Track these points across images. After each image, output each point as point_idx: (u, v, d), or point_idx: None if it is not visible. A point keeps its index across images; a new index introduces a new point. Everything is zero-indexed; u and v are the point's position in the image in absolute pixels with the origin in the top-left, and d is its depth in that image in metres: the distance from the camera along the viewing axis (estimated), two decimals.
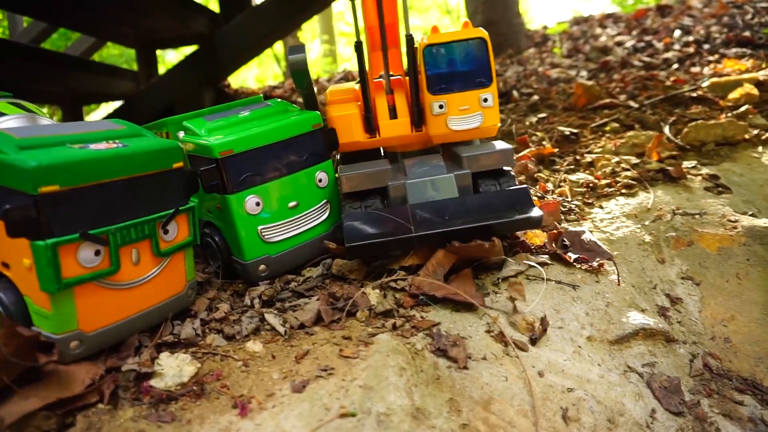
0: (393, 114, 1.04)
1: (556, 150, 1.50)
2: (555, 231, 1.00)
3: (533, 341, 0.81)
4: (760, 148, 1.39)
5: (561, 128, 1.67)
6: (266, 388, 0.67)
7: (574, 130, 1.64)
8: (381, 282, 0.89)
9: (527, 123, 1.90)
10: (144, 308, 0.76)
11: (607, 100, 1.89)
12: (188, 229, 0.81)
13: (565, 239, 1.00)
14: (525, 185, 0.95)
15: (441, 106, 0.99)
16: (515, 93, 2.36)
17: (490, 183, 0.97)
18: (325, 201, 1.00)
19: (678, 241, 1.03)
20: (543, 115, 1.94)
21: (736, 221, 1.04)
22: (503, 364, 0.76)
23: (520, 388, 0.73)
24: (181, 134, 0.94)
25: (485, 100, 0.99)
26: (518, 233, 1.00)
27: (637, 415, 0.78)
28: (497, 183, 0.96)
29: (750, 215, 1.08)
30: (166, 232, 0.77)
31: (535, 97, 2.22)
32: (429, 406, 0.67)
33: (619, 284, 0.94)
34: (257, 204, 0.90)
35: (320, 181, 0.99)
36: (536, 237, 1.00)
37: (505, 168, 0.99)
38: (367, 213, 0.93)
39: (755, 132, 1.46)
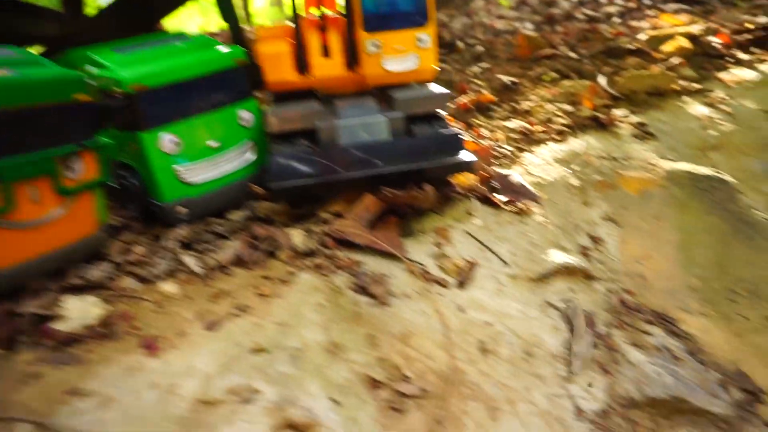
0: (326, 53, 0.99)
1: (494, 98, 1.49)
2: (484, 174, 1.00)
3: (461, 284, 0.81)
4: (687, 99, 1.43)
5: (501, 77, 1.67)
6: (178, 328, 0.65)
7: (514, 80, 1.63)
8: (306, 225, 0.87)
9: (470, 73, 1.88)
10: (48, 250, 0.72)
11: (549, 51, 1.89)
12: (97, 168, 0.76)
13: (493, 182, 1.01)
14: (457, 129, 0.94)
15: (376, 45, 0.95)
16: (460, 44, 2.33)
17: (424, 127, 0.95)
18: (249, 141, 0.96)
19: (603, 185, 1.06)
20: (486, 65, 1.93)
21: (657, 166, 1.08)
22: (425, 301, 0.76)
23: (439, 323, 0.74)
24: (89, 66, 0.87)
25: (421, 40, 0.96)
26: (449, 177, 0.99)
27: (553, 347, 0.80)
28: (431, 127, 0.95)
29: (670, 160, 1.12)
30: (69, 169, 0.72)
31: (480, 48, 2.19)
32: (346, 340, 0.67)
33: (544, 225, 0.96)
34: (173, 142, 0.86)
35: (244, 120, 0.94)
36: (466, 179, 1.00)
37: (439, 112, 0.97)
38: (294, 154, 0.90)
39: (684, 83, 1.50)
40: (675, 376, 0.79)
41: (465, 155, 0.89)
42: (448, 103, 0.96)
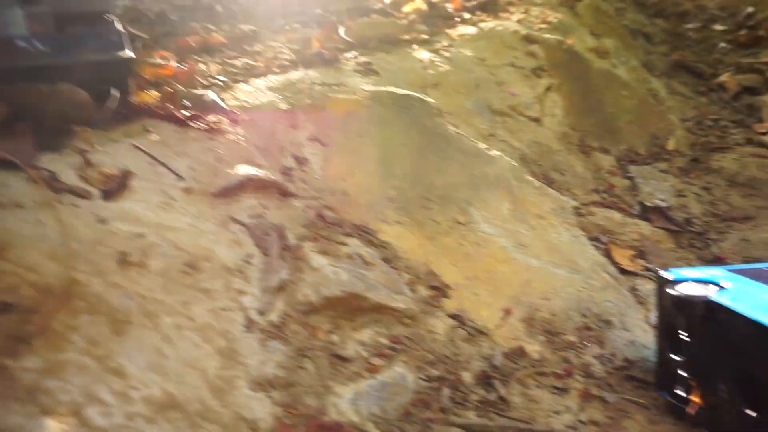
0: None
1: (225, 41, 1.39)
2: (169, 89, 0.89)
3: (108, 194, 0.68)
4: (415, 46, 1.49)
5: (242, 26, 1.58)
6: None
7: (253, 28, 1.55)
8: None
9: (217, 28, 1.76)
10: None
11: (299, 8, 1.86)
12: None
13: (184, 100, 0.90)
14: (120, 29, 0.80)
15: None
16: (218, 7, 2.20)
17: (79, 26, 0.80)
18: None
19: (312, 107, 1.02)
20: (235, 21, 1.83)
21: (365, 90, 1.07)
22: (46, 211, 0.61)
23: (60, 234, 0.60)
24: None
25: None
26: (127, 92, 0.85)
27: (228, 260, 0.72)
28: (88, 26, 0.80)
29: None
30: None
31: (236, 9, 2.09)
32: None
33: (238, 143, 0.87)
34: None
35: None
36: (148, 96, 0.88)
37: (108, 17, 0.83)
38: None
39: (415, 34, 1.56)
40: (356, 276, 0.76)
41: (122, 53, 0.77)
42: (113, 2, 0.82)
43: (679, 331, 0.66)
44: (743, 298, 0.59)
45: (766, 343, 0.53)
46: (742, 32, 2.20)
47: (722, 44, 2.20)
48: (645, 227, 1.17)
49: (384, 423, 0.63)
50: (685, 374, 0.67)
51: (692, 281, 0.67)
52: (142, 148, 0.77)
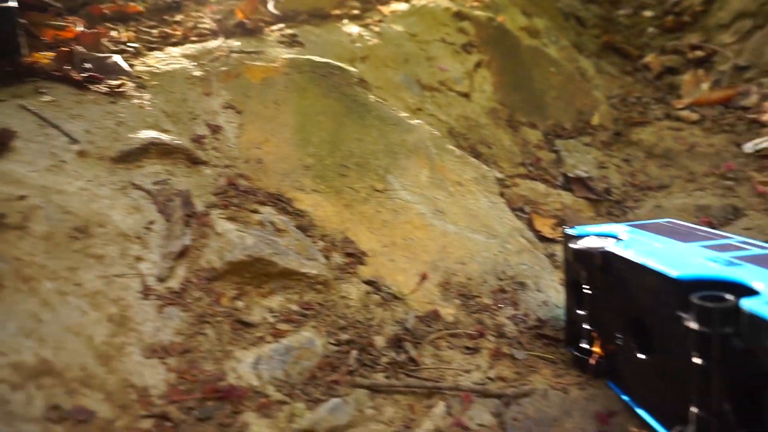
0: None
1: (141, 9, 1.32)
2: (65, 49, 0.83)
3: None
4: (345, 21, 1.46)
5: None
6: None
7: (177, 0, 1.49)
8: None
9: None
10: None
11: None
12: None
13: (85, 63, 0.84)
14: None
15: None
16: None
17: None
18: None
19: (227, 75, 0.98)
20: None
21: (284, 58, 1.04)
22: None
23: None
24: None
25: None
26: (16, 50, 0.79)
27: (125, 226, 0.68)
28: None
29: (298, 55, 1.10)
30: None
31: None
32: None
33: (142, 107, 0.83)
34: None
35: None
36: (43, 56, 0.82)
37: None
38: None
39: (346, 10, 1.53)
40: (264, 242, 0.73)
41: (4, 4, 0.71)
42: None
43: (582, 285, 0.68)
44: (636, 247, 0.61)
45: (653, 284, 0.54)
46: (669, 18, 2.29)
47: (650, 29, 2.28)
48: (567, 197, 1.19)
49: (287, 386, 0.62)
50: (588, 327, 0.68)
51: (593, 235, 0.68)
52: (31, 108, 0.72)
